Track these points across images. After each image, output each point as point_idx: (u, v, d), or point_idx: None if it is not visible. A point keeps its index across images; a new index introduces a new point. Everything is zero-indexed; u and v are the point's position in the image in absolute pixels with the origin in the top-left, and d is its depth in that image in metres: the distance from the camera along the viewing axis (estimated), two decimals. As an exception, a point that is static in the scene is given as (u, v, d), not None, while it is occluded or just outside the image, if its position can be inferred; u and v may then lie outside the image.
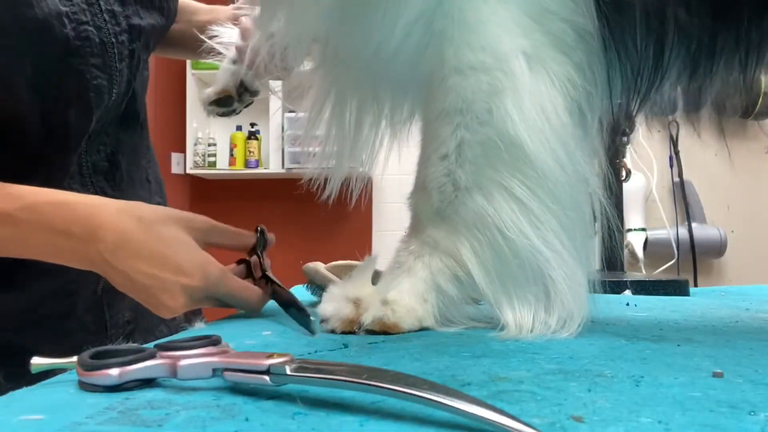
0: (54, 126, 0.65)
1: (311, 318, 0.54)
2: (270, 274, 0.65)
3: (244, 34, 0.82)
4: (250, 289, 0.62)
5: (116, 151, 0.76)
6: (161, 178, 0.91)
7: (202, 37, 0.86)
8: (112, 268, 0.56)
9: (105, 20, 0.68)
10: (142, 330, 0.81)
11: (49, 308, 0.72)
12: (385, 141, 0.69)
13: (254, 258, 0.66)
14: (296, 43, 0.63)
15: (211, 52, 0.86)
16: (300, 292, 0.76)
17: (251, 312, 0.63)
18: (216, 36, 0.86)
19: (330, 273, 0.72)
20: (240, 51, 0.82)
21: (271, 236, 0.68)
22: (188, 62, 2.99)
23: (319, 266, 0.73)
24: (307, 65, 0.71)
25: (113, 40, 0.69)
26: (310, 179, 0.71)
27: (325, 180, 0.71)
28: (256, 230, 0.67)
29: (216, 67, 0.88)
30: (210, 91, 0.85)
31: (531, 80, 0.53)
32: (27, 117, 0.63)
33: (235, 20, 0.86)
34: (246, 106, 0.88)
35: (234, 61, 0.84)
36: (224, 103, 0.85)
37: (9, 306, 0.69)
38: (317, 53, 0.67)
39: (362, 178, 0.75)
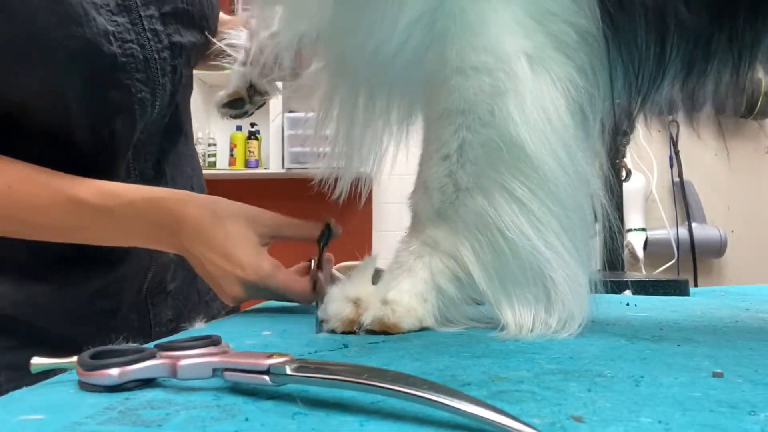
0: (101, 135, 0.71)
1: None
2: (320, 267, 0.68)
3: (252, 36, 0.83)
4: (299, 283, 0.66)
5: (161, 160, 0.81)
6: (204, 185, 0.94)
7: (214, 40, 0.86)
8: (191, 254, 0.65)
9: (148, 38, 0.73)
10: (183, 329, 0.84)
11: (98, 305, 0.77)
12: (384, 141, 0.69)
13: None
14: (295, 40, 0.63)
15: (221, 54, 0.87)
16: None
17: (302, 303, 0.68)
18: (226, 39, 0.87)
19: (338, 273, 0.73)
20: (248, 52, 0.84)
21: (337, 230, 0.71)
22: (188, 62, 2.99)
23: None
24: (313, 65, 0.72)
25: (156, 56, 0.73)
26: (321, 179, 0.71)
27: (334, 180, 0.71)
28: (325, 224, 0.70)
29: (221, 69, 0.90)
30: (222, 94, 0.87)
31: (533, 82, 0.53)
32: (76, 127, 0.69)
33: (246, 23, 0.88)
34: (258, 108, 0.90)
35: (244, 63, 0.86)
36: (236, 105, 0.87)
37: (63, 302, 0.75)
38: (322, 52, 0.67)
39: (364, 179, 0.75)
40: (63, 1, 0.63)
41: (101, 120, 0.70)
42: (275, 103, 2.40)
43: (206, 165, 3.23)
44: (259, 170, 3.24)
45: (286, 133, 2.95)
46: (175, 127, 0.84)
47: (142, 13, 0.72)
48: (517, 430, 0.24)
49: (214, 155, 3.24)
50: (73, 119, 0.68)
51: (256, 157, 3.26)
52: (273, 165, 3.17)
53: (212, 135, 3.28)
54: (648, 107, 0.62)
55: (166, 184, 0.81)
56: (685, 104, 0.63)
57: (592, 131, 0.58)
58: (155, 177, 0.80)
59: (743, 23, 0.56)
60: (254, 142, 3.25)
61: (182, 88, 0.81)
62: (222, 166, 3.25)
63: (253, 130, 3.26)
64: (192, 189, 0.87)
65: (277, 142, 3.10)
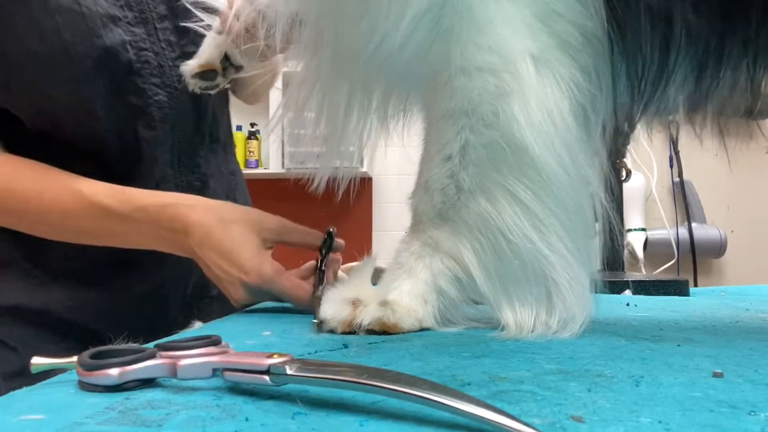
0: (127, 139, 0.78)
1: None
2: (321, 276, 0.69)
3: (231, 1, 0.78)
4: (300, 289, 0.67)
5: (207, 173, 0.88)
6: (249, 198, 1.00)
7: (187, 4, 0.83)
8: (200, 257, 0.68)
9: (162, 47, 0.80)
10: None
11: (145, 309, 0.82)
12: (373, 136, 0.68)
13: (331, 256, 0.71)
14: (286, 18, 0.62)
15: (194, 18, 0.82)
16: None
17: (300, 307, 0.68)
18: (202, 2, 0.82)
19: (344, 274, 0.73)
20: (225, 19, 0.78)
21: (339, 242, 0.72)
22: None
23: None
24: (295, 48, 0.70)
25: (170, 63, 0.80)
26: (306, 178, 0.71)
27: (333, 179, 0.71)
28: (327, 232, 0.71)
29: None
30: (193, 64, 0.82)
31: (537, 83, 0.52)
32: (104, 132, 0.76)
33: None
34: (229, 82, 0.85)
35: (219, 32, 0.80)
36: (207, 77, 0.82)
37: (112, 306, 0.80)
38: (314, 38, 0.65)
39: (357, 176, 0.75)
40: (84, 16, 0.72)
41: (125, 124, 0.76)
42: (275, 103, 2.39)
43: (206, 165, 3.22)
44: (259, 170, 3.24)
45: (286, 132, 2.95)
46: (214, 140, 0.90)
47: (158, 26, 0.79)
48: (517, 430, 0.24)
49: (214, 155, 3.24)
50: (100, 126, 0.75)
51: (256, 157, 3.26)
52: (273, 165, 3.17)
53: (212, 135, 3.27)
54: (653, 110, 0.61)
55: (209, 195, 0.85)
56: (689, 106, 0.63)
57: (594, 132, 0.58)
58: (201, 189, 0.86)
59: (756, 26, 0.55)
60: (254, 142, 3.25)
61: (211, 98, 0.87)
62: (222, 166, 3.25)
63: (253, 130, 3.26)
64: (235, 201, 0.91)
65: (277, 143, 3.11)
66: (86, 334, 0.77)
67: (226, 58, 0.81)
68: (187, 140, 0.84)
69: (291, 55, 0.74)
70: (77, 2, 0.72)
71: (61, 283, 0.79)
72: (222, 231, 0.67)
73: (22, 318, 0.79)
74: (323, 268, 0.69)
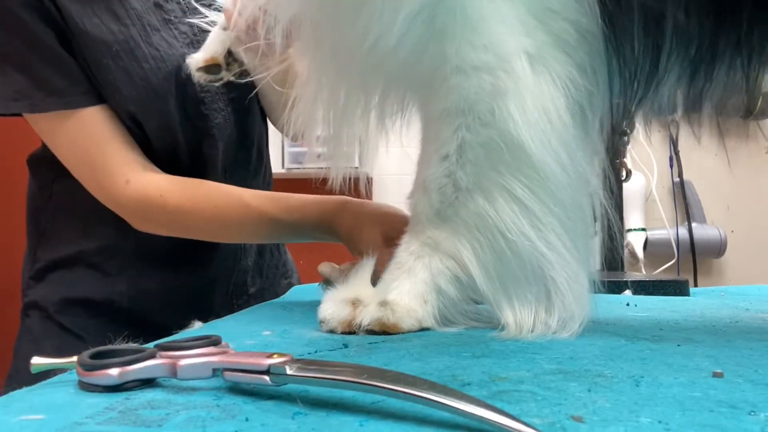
0: (195, 154, 0.91)
1: None
2: None
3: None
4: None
5: (249, 185, 0.97)
6: None
7: (193, 2, 0.89)
8: (345, 244, 0.82)
9: None
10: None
11: (196, 302, 0.93)
12: (372, 135, 0.69)
13: None
14: (285, 19, 0.63)
15: (200, 13, 0.86)
16: (311, 291, 0.77)
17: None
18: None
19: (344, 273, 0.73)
20: (229, 16, 0.81)
21: None
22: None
23: (333, 266, 0.74)
24: (293, 49, 0.71)
25: (222, 90, 0.92)
26: (321, 179, 0.74)
27: (333, 179, 0.72)
28: None
29: None
30: (198, 57, 0.85)
31: (533, 81, 0.52)
32: (180, 148, 0.89)
33: None
34: (234, 75, 0.88)
35: (224, 28, 0.83)
36: (212, 71, 0.86)
37: (168, 298, 0.91)
38: (312, 39, 0.65)
39: (358, 175, 0.75)
40: (164, 60, 0.85)
41: (194, 143, 0.91)
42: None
43: (206, 165, 3.21)
44: (259, 170, 3.23)
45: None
46: (259, 164, 1.04)
47: None
48: (517, 430, 0.24)
49: (214, 155, 3.24)
50: (178, 142, 0.89)
51: (256, 157, 3.24)
52: (273, 165, 3.16)
53: (212, 135, 3.27)
54: (647, 108, 0.61)
55: None
56: (688, 105, 0.63)
57: (592, 130, 0.58)
58: None
59: (748, 24, 0.55)
60: (254, 142, 3.25)
61: (257, 127, 1.02)
62: (222, 166, 3.25)
63: (253, 130, 3.26)
64: None
65: (277, 142, 3.10)
66: (145, 322, 0.87)
67: (229, 54, 0.84)
68: (233, 155, 0.98)
69: (297, 53, 0.76)
70: (156, 49, 0.85)
71: (124, 277, 0.90)
72: (357, 233, 0.79)
73: (88, 309, 0.89)
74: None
